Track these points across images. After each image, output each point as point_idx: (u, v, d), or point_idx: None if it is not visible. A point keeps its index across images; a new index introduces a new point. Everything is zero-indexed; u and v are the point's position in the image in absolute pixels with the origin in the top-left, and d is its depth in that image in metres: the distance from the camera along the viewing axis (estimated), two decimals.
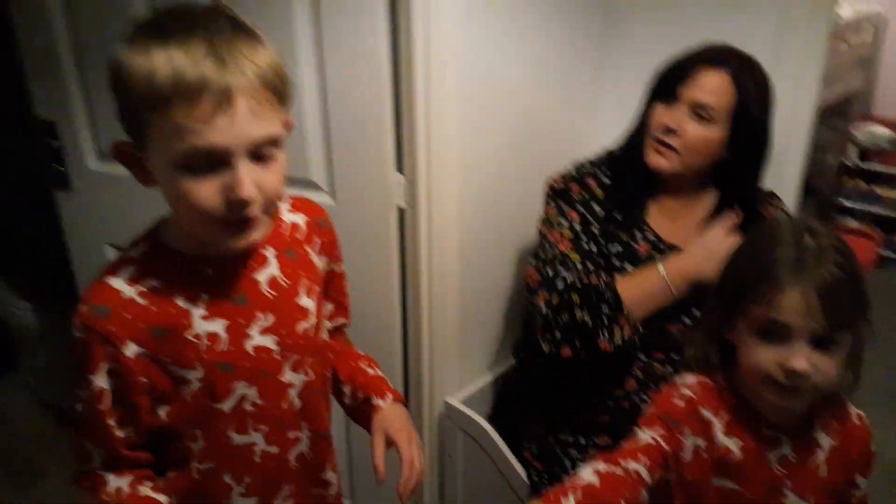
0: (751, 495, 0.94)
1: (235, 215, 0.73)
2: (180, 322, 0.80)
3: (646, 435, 0.92)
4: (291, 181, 1.40)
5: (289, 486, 0.95)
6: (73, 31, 1.51)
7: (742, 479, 0.94)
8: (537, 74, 1.56)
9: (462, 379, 1.61)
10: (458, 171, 1.39)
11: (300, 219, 0.94)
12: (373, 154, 1.34)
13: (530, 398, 1.44)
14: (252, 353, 0.85)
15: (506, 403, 1.63)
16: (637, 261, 1.30)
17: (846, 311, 0.85)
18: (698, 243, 1.25)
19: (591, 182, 1.34)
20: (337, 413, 1.06)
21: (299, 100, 1.34)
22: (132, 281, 0.79)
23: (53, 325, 2.38)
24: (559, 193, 1.36)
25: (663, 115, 1.25)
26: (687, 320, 1.27)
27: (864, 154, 3.67)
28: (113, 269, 0.80)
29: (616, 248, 1.30)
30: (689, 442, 0.92)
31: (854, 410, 1.01)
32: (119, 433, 0.82)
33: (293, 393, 0.90)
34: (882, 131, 3.61)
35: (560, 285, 1.23)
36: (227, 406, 0.85)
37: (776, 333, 0.86)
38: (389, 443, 0.96)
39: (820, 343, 0.85)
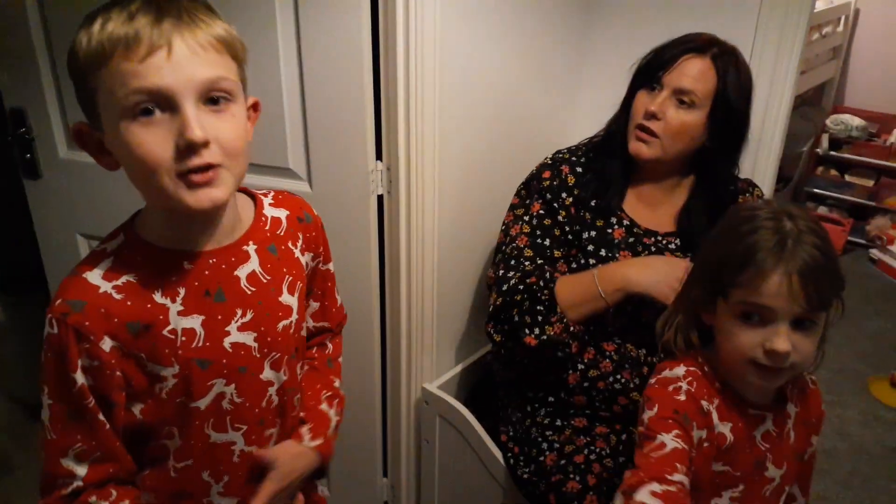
0: (739, 473, 0.96)
1: (189, 164, 0.70)
2: (157, 317, 0.78)
3: (669, 440, 0.90)
4: (268, 169, 1.41)
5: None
6: (44, 18, 1.48)
7: (733, 459, 0.96)
8: (518, 65, 1.57)
9: (439, 365, 1.62)
10: (437, 160, 1.40)
11: (282, 214, 0.92)
12: (352, 141, 1.33)
13: (507, 382, 1.45)
14: (230, 349, 0.83)
15: (483, 388, 1.64)
16: (612, 246, 1.32)
17: (825, 293, 0.87)
18: (641, 258, 1.28)
19: (565, 168, 1.36)
20: None
21: (277, 86, 1.33)
22: (108, 275, 0.77)
23: (23, 317, 2.34)
24: (527, 182, 1.40)
25: (646, 101, 1.27)
26: (660, 306, 1.28)
27: (836, 143, 3.73)
28: (88, 263, 0.78)
29: (590, 233, 1.32)
30: (696, 435, 0.92)
31: (807, 376, 1.04)
32: (109, 427, 0.79)
33: (272, 391, 0.89)
34: (853, 121, 3.67)
35: (504, 286, 1.29)
36: (203, 404, 0.83)
37: (758, 316, 0.88)
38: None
39: (800, 324, 0.87)
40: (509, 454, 1.37)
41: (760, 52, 1.47)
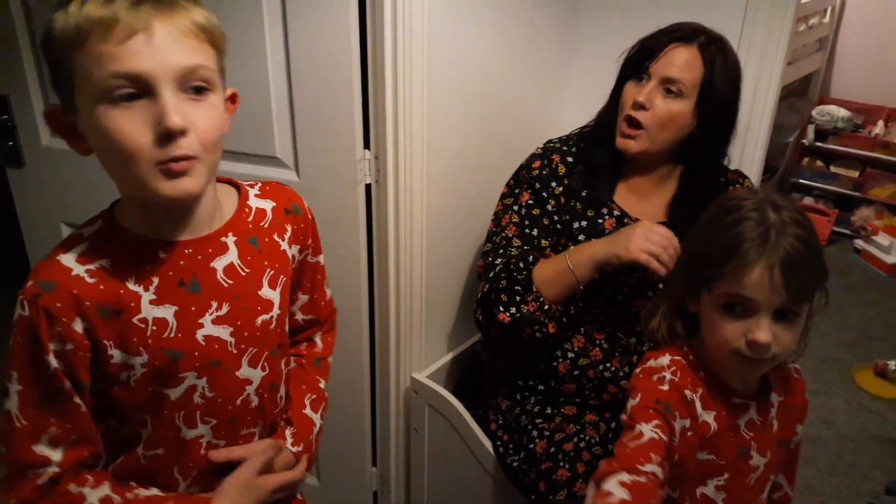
0: (724, 461, 0.97)
1: (166, 153, 0.70)
2: (128, 304, 0.77)
3: (648, 430, 0.90)
4: (255, 158, 1.40)
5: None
6: (26, 5, 1.46)
7: (717, 448, 0.96)
8: (506, 56, 1.56)
9: (428, 354, 1.62)
10: (425, 149, 1.39)
11: (267, 205, 0.90)
12: (340, 130, 1.32)
13: (496, 371, 1.45)
14: (203, 342, 0.81)
15: (472, 377, 1.64)
16: (602, 236, 1.31)
17: (807, 284, 0.87)
18: (610, 236, 1.28)
19: (556, 158, 1.36)
20: None
21: (264, 75, 1.32)
22: (82, 259, 0.76)
23: (7, 306, 2.31)
24: (517, 172, 1.41)
25: (634, 91, 1.27)
26: (651, 294, 1.29)
27: (822, 134, 3.76)
28: (63, 247, 0.78)
29: (581, 223, 1.32)
30: (678, 425, 0.92)
31: (791, 365, 1.05)
32: (84, 409, 0.78)
33: (250, 390, 0.87)
34: (839, 112, 3.70)
35: (490, 273, 1.31)
36: (174, 395, 0.81)
37: (740, 308, 0.88)
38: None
39: (782, 315, 0.87)
40: (499, 443, 1.38)
41: (748, 42, 1.48)
